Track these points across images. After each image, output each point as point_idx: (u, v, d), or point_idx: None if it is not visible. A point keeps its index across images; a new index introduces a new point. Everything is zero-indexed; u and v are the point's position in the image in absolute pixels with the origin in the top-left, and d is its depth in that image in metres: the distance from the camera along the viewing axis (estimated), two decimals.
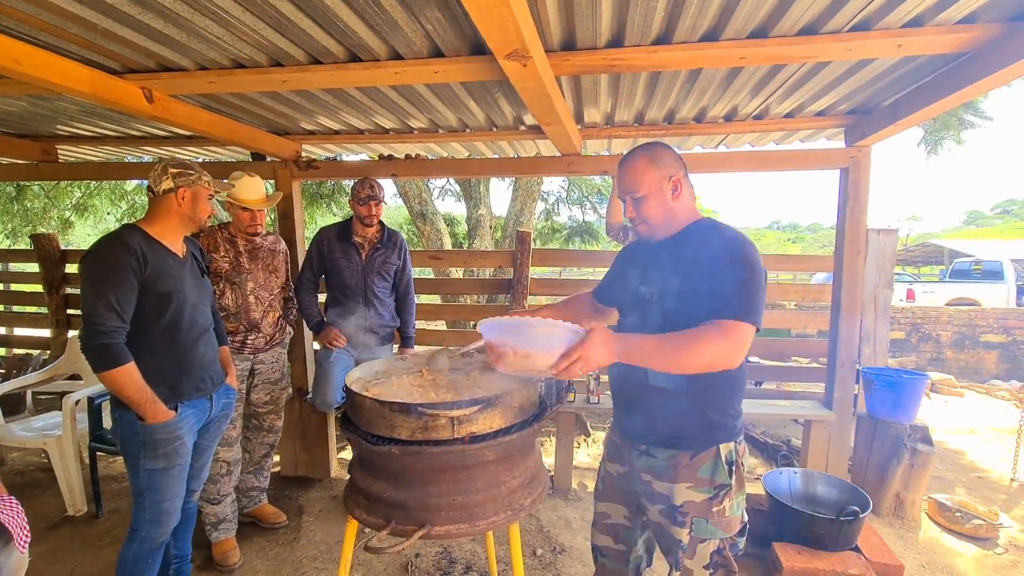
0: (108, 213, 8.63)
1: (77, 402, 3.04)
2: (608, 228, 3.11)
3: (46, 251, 4.82)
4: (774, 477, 2.78)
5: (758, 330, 1.33)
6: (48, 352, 5.13)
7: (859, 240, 3.19)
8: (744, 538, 1.50)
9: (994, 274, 11.15)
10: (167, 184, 1.86)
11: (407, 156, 3.76)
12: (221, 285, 2.60)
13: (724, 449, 1.45)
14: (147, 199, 1.96)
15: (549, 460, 3.59)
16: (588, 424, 4.45)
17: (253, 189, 2.61)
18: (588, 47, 2.07)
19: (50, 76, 1.98)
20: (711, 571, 1.46)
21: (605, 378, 3.36)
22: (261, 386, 2.80)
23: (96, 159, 4.40)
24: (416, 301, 3.25)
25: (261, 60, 2.21)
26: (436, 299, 6.75)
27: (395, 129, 3.38)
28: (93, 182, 7.80)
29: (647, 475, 1.53)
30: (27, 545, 1.49)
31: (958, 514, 2.99)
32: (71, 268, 4.94)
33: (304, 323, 3.32)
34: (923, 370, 5.82)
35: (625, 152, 1.61)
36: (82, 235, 9.86)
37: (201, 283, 2.03)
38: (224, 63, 2.25)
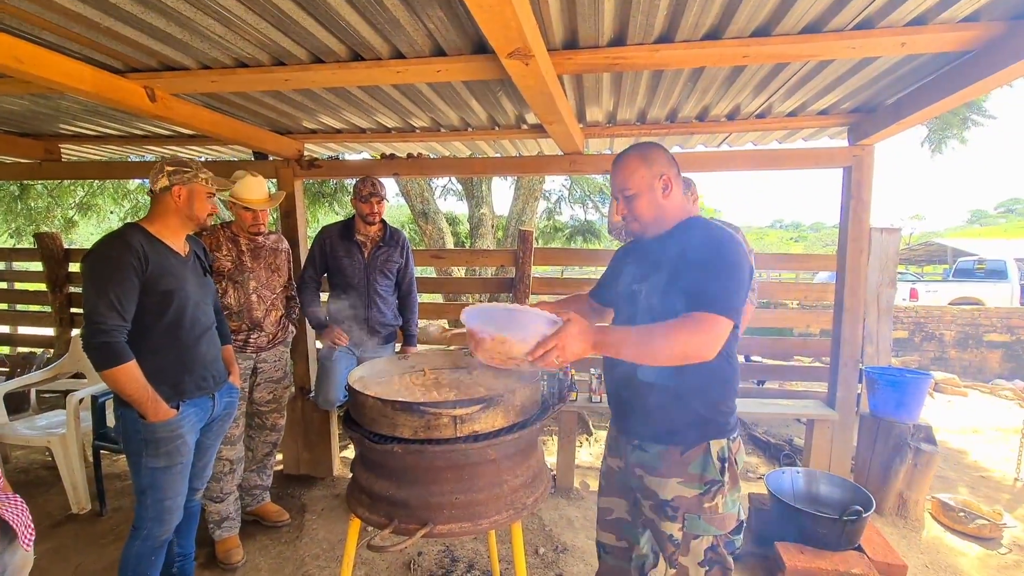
0: (111, 212, 8.65)
1: (81, 400, 3.05)
2: (610, 227, 3.10)
3: (49, 250, 4.83)
4: (777, 476, 2.78)
5: (737, 325, 1.35)
6: (52, 351, 5.15)
7: (862, 239, 3.18)
8: (741, 536, 1.50)
9: (998, 273, 11.10)
10: (163, 182, 1.87)
11: (409, 155, 3.76)
12: (224, 284, 2.60)
13: (715, 446, 1.46)
14: (149, 198, 1.97)
15: (551, 459, 3.59)
16: (590, 423, 4.45)
17: (255, 188, 2.61)
18: (590, 46, 2.06)
19: (53, 75, 1.99)
20: (706, 568, 1.46)
21: None
22: (264, 385, 2.81)
23: (99, 158, 4.41)
24: (419, 300, 3.26)
25: (263, 59, 2.22)
26: (438, 298, 6.75)
27: (397, 128, 3.39)
28: (96, 181, 7.83)
29: (639, 470, 1.55)
30: (31, 543, 1.50)
31: (962, 514, 2.98)
32: (74, 267, 4.96)
33: (306, 322, 3.33)
34: (926, 370, 5.80)
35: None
36: (85, 234, 9.88)
37: (203, 282, 2.04)
38: (226, 62, 2.25)
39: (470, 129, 3.34)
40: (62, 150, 4.04)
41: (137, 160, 4.78)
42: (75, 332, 4.78)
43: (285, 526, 2.96)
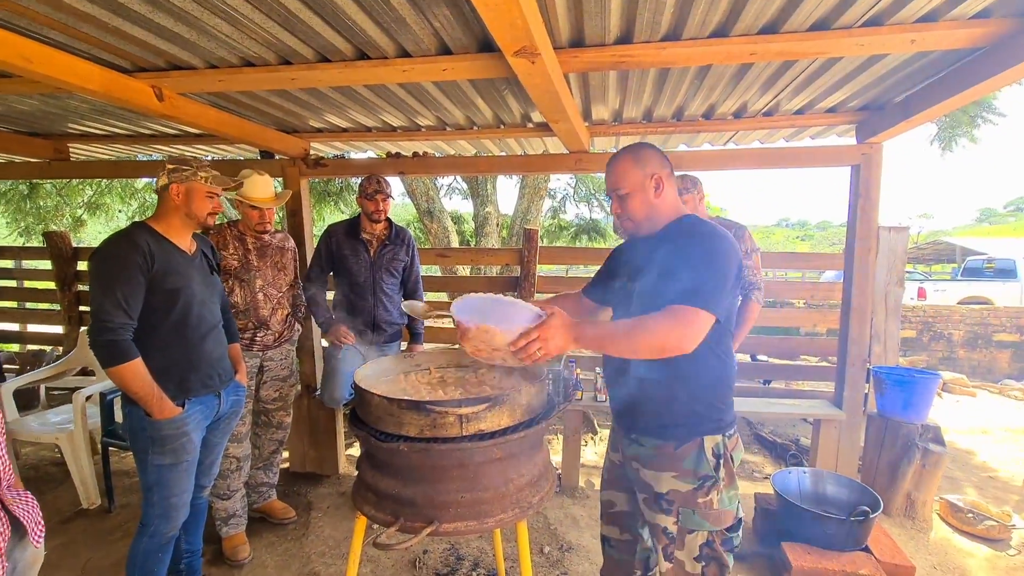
0: (119, 211, 8.72)
1: (88, 397, 3.08)
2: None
3: (58, 248, 4.88)
4: (783, 476, 2.77)
5: (721, 320, 1.37)
6: (61, 348, 5.19)
7: (870, 238, 3.16)
8: (739, 534, 1.51)
9: (1007, 272, 10.99)
10: (163, 180, 1.88)
11: (415, 154, 3.77)
12: (230, 282, 2.61)
13: (710, 442, 1.47)
14: (156, 197, 1.98)
15: (556, 458, 3.59)
16: (595, 422, 4.45)
17: (262, 187, 2.62)
18: (597, 44, 2.06)
19: (62, 75, 2.00)
20: (702, 564, 1.47)
21: None
22: (270, 383, 2.82)
23: (107, 157, 4.45)
24: (424, 299, 3.26)
25: (270, 58, 2.22)
26: (443, 297, 6.76)
27: (403, 127, 3.39)
28: (104, 180, 7.89)
29: (636, 463, 1.57)
30: (42, 539, 1.51)
31: (970, 515, 2.95)
32: (83, 265, 4.99)
33: (313, 320, 3.34)
34: (934, 369, 5.75)
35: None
36: (94, 233, 9.96)
37: (210, 280, 2.05)
38: (233, 61, 2.26)
39: (476, 128, 3.34)
40: (71, 149, 4.07)
41: (145, 159, 4.82)
42: (83, 329, 4.82)
43: (291, 523, 2.98)
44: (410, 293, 3.13)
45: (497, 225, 7.24)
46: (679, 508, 1.46)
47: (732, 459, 1.50)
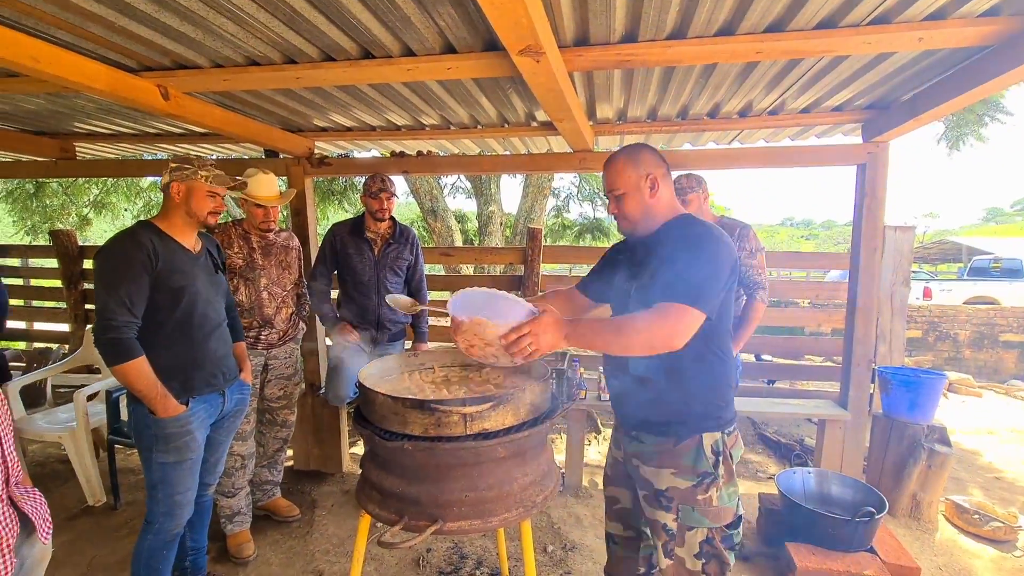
0: (125, 210, 8.76)
1: (95, 395, 3.09)
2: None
3: (64, 247, 4.90)
4: (787, 477, 2.76)
5: (711, 317, 1.37)
6: (67, 346, 5.22)
7: (876, 237, 3.14)
8: (739, 531, 1.51)
9: (1014, 272, 10.93)
10: (165, 179, 1.90)
11: (419, 153, 3.77)
12: (235, 281, 2.62)
13: (709, 439, 1.48)
14: (161, 196, 1.99)
15: (560, 457, 3.59)
16: (599, 421, 4.44)
17: (267, 186, 2.63)
18: (601, 42, 2.05)
19: (68, 74, 2.01)
20: (703, 561, 1.47)
21: None
22: (274, 381, 2.83)
23: (113, 156, 4.46)
24: (428, 298, 3.26)
25: (275, 57, 2.23)
26: (447, 296, 6.76)
27: (407, 126, 3.39)
28: (110, 179, 7.92)
29: (636, 460, 1.58)
30: (50, 536, 1.52)
31: (976, 516, 2.94)
32: (89, 264, 5.02)
33: (317, 319, 3.35)
34: (940, 369, 5.73)
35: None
36: (100, 231, 10.02)
37: (215, 279, 2.05)
38: (238, 60, 2.27)
39: (480, 127, 3.34)
40: (77, 148, 4.09)
41: (150, 158, 4.83)
42: (89, 328, 4.85)
43: (295, 521, 2.99)
44: (414, 292, 3.13)
45: (501, 224, 7.24)
46: (679, 505, 1.47)
47: (731, 456, 1.52)
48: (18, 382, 3.37)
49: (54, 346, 5.54)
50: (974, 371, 7.28)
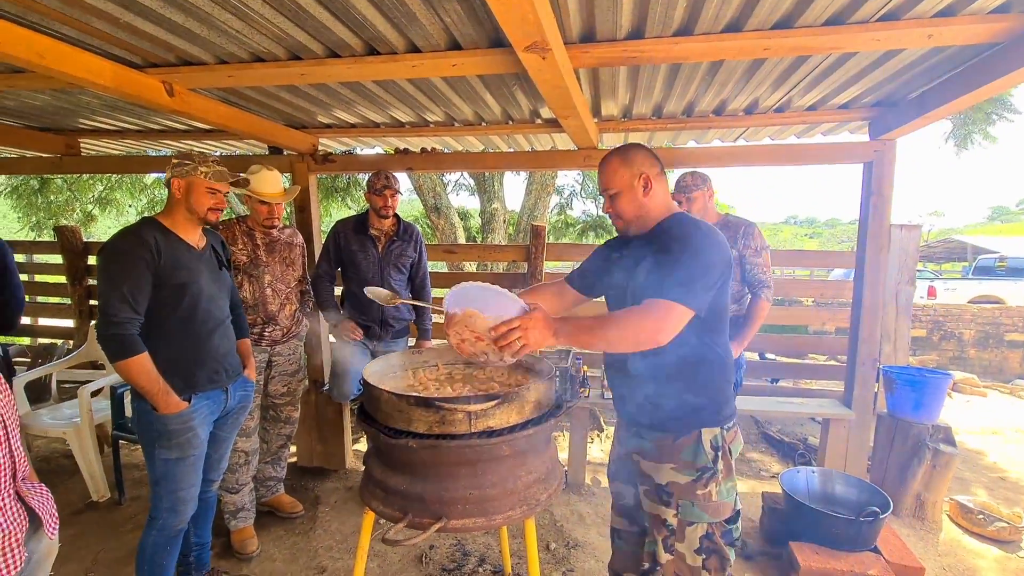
0: (129, 206, 8.77)
1: (97, 391, 3.10)
2: None
3: (69, 243, 4.92)
4: (791, 476, 2.75)
5: (699, 314, 1.38)
6: (72, 342, 5.24)
7: (882, 236, 3.13)
8: (738, 525, 1.52)
9: (1019, 271, 10.87)
10: (167, 175, 1.90)
11: (423, 149, 3.76)
12: (239, 278, 2.62)
13: (708, 434, 1.50)
14: (166, 192, 1.99)
15: (563, 455, 3.59)
16: (602, 419, 4.44)
17: (271, 182, 2.62)
18: (608, 39, 2.04)
19: (74, 70, 2.01)
20: (703, 556, 1.48)
21: None
22: (278, 378, 2.83)
23: (118, 153, 4.47)
24: (432, 295, 3.26)
25: (279, 54, 2.22)
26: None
27: (411, 123, 3.39)
28: (115, 176, 7.93)
29: (637, 455, 1.60)
30: (56, 531, 1.53)
31: (980, 516, 2.93)
32: (93, 260, 5.03)
33: (321, 316, 3.35)
34: (945, 369, 5.71)
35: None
36: (104, 228, 10.04)
37: (219, 276, 2.05)
38: (243, 57, 2.26)
39: (484, 124, 3.33)
40: (82, 145, 4.09)
41: (155, 155, 4.84)
42: (93, 323, 4.86)
43: (299, 517, 2.99)
44: (417, 289, 3.13)
45: (504, 221, 7.23)
46: (678, 500, 1.49)
47: (731, 452, 1.53)
48: (23, 378, 3.38)
49: (59, 342, 5.56)
50: (979, 370, 7.25)
